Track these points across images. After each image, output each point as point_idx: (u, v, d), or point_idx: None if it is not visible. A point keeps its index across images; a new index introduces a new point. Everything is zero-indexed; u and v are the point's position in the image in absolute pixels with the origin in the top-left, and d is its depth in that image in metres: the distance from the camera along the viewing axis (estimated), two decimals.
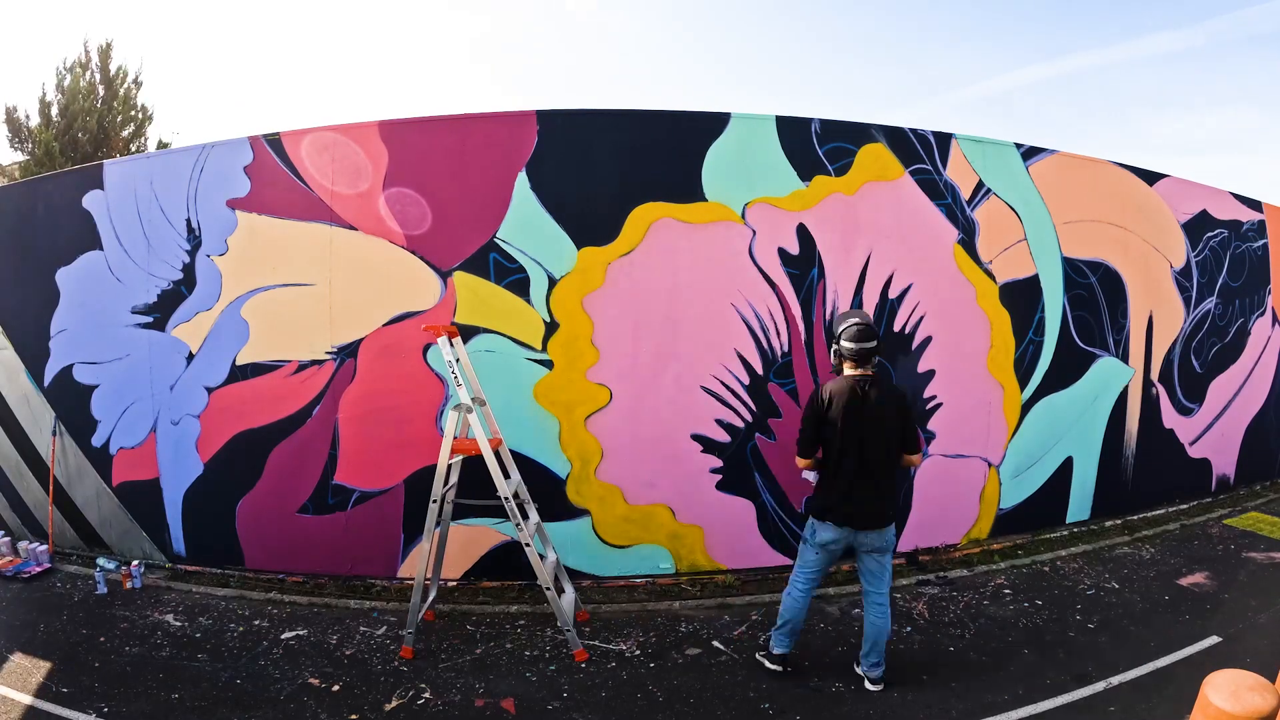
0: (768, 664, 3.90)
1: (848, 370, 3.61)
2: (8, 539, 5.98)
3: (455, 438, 4.11)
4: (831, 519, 3.57)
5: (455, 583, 5.12)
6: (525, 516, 4.29)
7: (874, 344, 3.56)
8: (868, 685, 3.69)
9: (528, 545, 4.04)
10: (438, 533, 4.42)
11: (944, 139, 5.53)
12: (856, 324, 3.58)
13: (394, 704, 3.62)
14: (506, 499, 4.00)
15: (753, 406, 5.22)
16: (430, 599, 4.56)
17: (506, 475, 4.21)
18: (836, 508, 3.55)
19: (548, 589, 4.05)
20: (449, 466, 4.17)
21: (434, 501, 4.07)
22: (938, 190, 5.51)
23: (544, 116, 4.95)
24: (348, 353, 5.09)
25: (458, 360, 4.19)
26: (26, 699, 3.67)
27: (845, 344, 3.57)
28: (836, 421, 3.51)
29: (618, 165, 5.04)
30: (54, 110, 14.34)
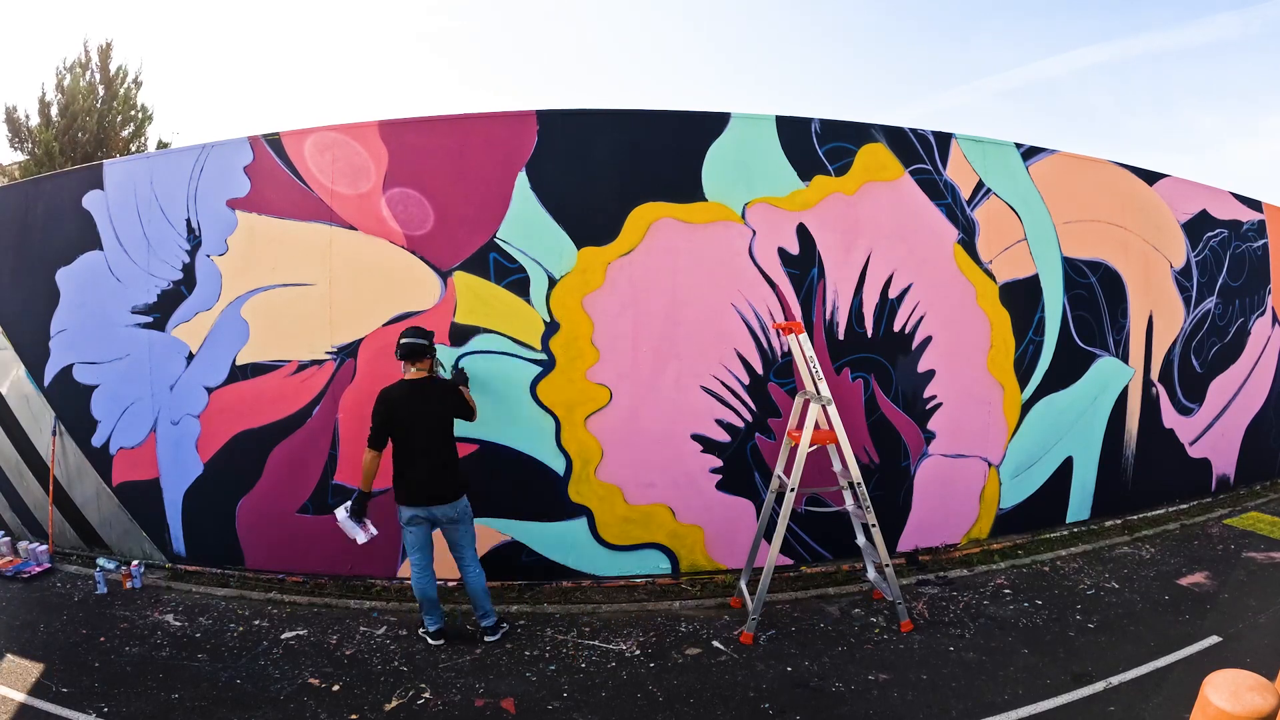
0: (429, 640, 4.29)
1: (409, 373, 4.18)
2: (8, 539, 5.98)
3: (816, 429, 4.33)
4: (409, 501, 4.12)
5: (455, 583, 5.12)
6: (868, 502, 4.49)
7: (423, 343, 4.19)
8: (485, 638, 4.25)
9: (875, 526, 4.33)
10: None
11: (944, 139, 5.53)
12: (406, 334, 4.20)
13: (394, 704, 3.62)
14: (859, 484, 4.36)
15: (753, 406, 5.22)
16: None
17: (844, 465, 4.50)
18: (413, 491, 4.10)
19: (886, 565, 4.35)
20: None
21: (791, 490, 4.31)
22: (938, 190, 5.51)
23: (544, 116, 4.95)
24: (348, 353, 5.09)
25: (812, 358, 4.38)
26: (26, 699, 3.67)
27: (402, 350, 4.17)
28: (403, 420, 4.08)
29: (618, 165, 5.04)
30: (54, 110, 14.33)
